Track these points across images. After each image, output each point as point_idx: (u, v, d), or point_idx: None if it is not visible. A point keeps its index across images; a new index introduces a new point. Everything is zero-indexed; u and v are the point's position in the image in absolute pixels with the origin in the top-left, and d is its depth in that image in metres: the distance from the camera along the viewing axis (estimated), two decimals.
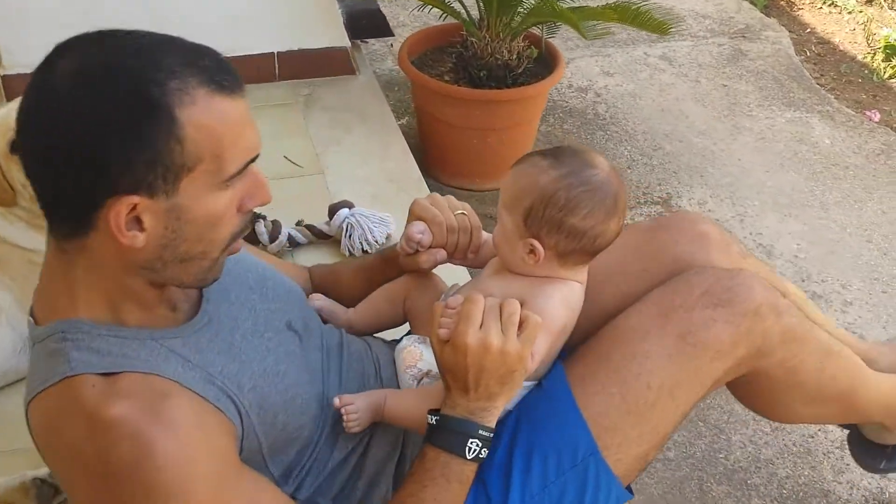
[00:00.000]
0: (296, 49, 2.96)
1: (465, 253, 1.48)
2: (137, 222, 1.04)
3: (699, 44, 3.92)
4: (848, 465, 2.11)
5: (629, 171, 3.10)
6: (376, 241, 2.19)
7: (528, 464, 1.35)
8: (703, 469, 2.11)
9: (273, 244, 2.15)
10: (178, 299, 1.21)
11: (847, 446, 1.85)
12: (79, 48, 1.04)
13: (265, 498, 1.18)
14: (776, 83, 3.68)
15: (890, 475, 2.09)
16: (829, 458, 2.15)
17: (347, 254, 2.20)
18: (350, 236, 2.19)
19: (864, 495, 2.06)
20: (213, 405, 1.14)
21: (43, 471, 1.54)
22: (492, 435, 1.25)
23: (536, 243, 1.31)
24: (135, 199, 1.02)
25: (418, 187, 2.50)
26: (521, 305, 1.29)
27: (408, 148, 2.69)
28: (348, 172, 2.55)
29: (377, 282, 1.57)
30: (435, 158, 2.96)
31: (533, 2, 2.76)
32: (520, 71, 2.83)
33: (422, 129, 3.02)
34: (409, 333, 1.54)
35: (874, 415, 1.66)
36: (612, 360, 1.40)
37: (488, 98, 2.75)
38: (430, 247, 1.45)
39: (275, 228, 2.19)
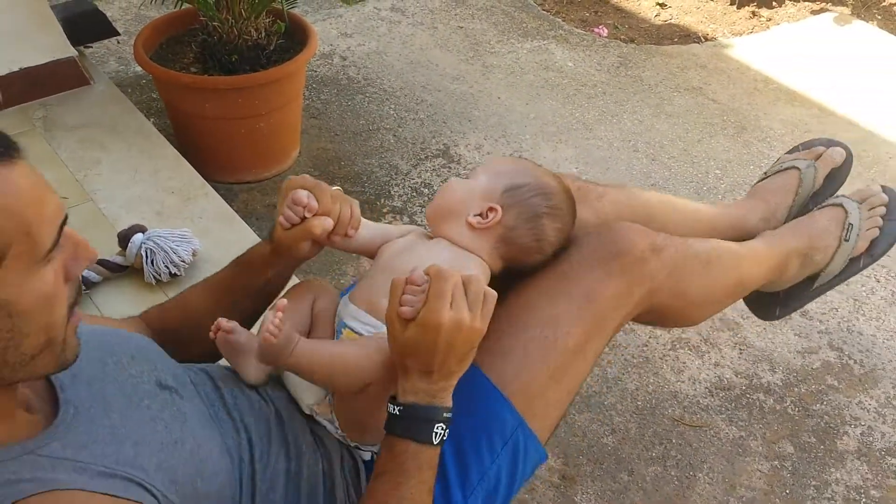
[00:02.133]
0: (17, 69, 2.62)
1: (346, 227, 1.34)
2: None
3: None
4: (684, 363, 2.24)
5: (400, 129, 3.06)
6: (183, 261, 2.00)
7: (461, 458, 1.31)
8: None
9: None
10: (31, 398, 1.04)
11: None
12: None
13: None
14: (507, 17, 3.76)
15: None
16: (665, 361, 2.26)
17: (154, 282, 1.99)
18: (153, 262, 1.98)
19: (706, 387, 2.19)
20: (124, 499, 0.98)
21: None
22: (451, 415, 1.18)
23: (498, 207, 1.34)
24: None
25: (204, 192, 2.32)
26: None
27: (177, 153, 2.48)
28: (120, 193, 2.31)
29: (237, 291, 1.41)
30: (201, 157, 2.74)
31: None
32: (271, 49, 2.69)
33: (178, 129, 2.80)
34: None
35: (762, 282, 1.72)
36: (528, 329, 1.39)
37: (247, 83, 2.59)
38: (316, 214, 1.30)
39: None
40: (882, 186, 1.81)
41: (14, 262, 0.89)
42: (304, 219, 1.30)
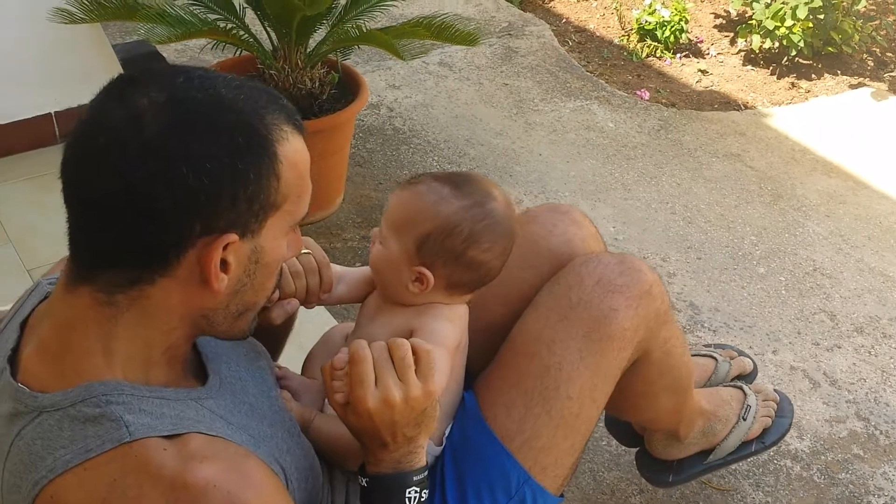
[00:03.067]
0: (75, 105, 2.75)
1: (317, 295, 1.35)
2: (224, 264, 0.96)
3: (471, 46, 4.02)
4: None
5: None
6: None
7: None
8: (591, 460, 2.18)
9: None
10: (190, 356, 1.11)
11: (635, 465, 1.95)
12: (158, 80, 0.94)
13: None
14: (551, 76, 3.85)
15: None
16: None
17: None
18: None
19: None
20: (272, 468, 1.04)
21: None
22: (426, 474, 1.19)
23: (426, 272, 1.28)
24: (232, 237, 0.94)
25: None
26: (412, 334, 1.25)
27: None
28: None
29: None
30: None
31: (327, 27, 2.72)
32: (324, 98, 2.79)
33: None
34: None
35: (685, 419, 1.75)
36: (528, 380, 1.39)
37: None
38: (279, 299, 1.30)
39: None
40: (774, 388, 1.97)
41: (282, 216, 0.99)
42: (265, 307, 1.26)
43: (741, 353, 2.05)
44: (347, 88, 2.88)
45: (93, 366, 0.98)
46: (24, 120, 2.65)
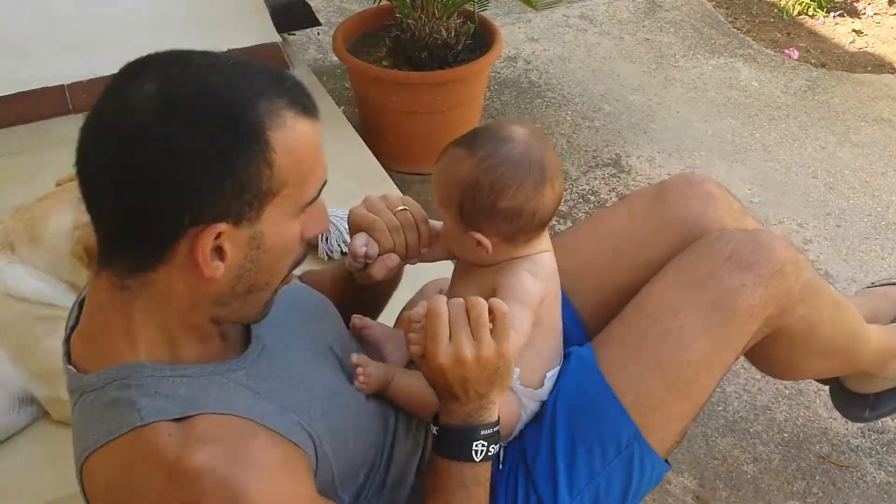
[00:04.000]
0: (224, 49, 2.84)
1: (417, 250, 1.37)
2: (218, 252, 0.99)
3: (614, 0, 3.95)
4: None
5: (574, 135, 3.11)
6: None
7: (573, 459, 1.35)
8: (705, 424, 2.15)
9: None
10: (228, 328, 1.15)
11: (831, 400, 1.92)
12: (157, 68, 0.98)
13: None
14: (695, 32, 3.73)
15: None
16: (819, 396, 2.21)
17: (326, 258, 2.14)
18: (327, 240, 2.13)
19: (858, 427, 2.13)
20: (291, 441, 1.08)
21: None
22: (496, 430, 1.21)
23: (479, 235, 1.28)
24: (221, 226, 0.97)
25: (381, 179, 2.45)
26: (495, 292, 1.27)
27: (361, 140, 2.63)
28: None
29: (348, 294, 1.45)
30: (381, 145, 2.89)
31: None
32: (459, 48, 2.80)
33: (365, 118, 2.96)
34: None
35: (866, 364, 1.72)
36: (648, 341, 1.40)
37: (433, 80, 2.71)
38: (378, 254, 1.33)
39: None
40: None
41: (282, 202, 1.01)
42: (367, 264, 1.32)
43: None
44: (483, 39, 2.88)
45: (119, 348, 1.05)
46: None
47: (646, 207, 1.58)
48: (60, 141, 2.55)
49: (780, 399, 2.21)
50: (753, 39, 3.70)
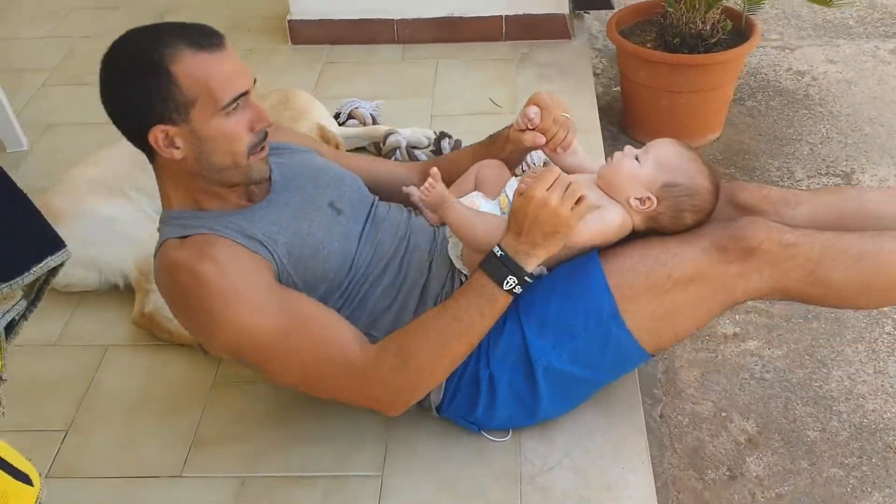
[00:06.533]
0: (521, 14, 3.43)
1: (556, 145, 1.81)
2: (173, 143, 1.57)
3: None
4: None
5: (821, 146, 3.24)
6: (534, 163, 2.60)
7: (560, 314, 1.71)
8: (793, 392, 2.30)
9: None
10: (254, 192, 1.74)
11: None
12: (122, 37, 1.58)
13: (302, 299, 1.65)
14: None
15: None
16: None
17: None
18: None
19: None
20: (250, 250, 1.64)
21: None
22: (527, 277, 1.60)
23: (655, 200, 1.69)
24: (165, 126, 1.55)
25: (594, 134, 2.87)
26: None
27: (595, 102, 3.06)
28: None
29: (487, 158, 1.94)
30: (631, 118, 3.31)
31: None
32: (713, 41, 3.09)
33: (623, 92, 3.37)
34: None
35: None
36: (651, 249, 1.71)
37: (676, 61, 3.04)
38: (535, 129, 1.80)
39: (456, 145, 2.69)
40: None
41: (202, 107, 1.57)
42: (528, 128, 1.81)
43: None
44: (745, 38, 3.14)
45: (166, 199, 1.70)
46: (480, 17, 3.42)
47: None
48: (384, 61, 3.34)
49: (878, 393, 2.29)
50: None
